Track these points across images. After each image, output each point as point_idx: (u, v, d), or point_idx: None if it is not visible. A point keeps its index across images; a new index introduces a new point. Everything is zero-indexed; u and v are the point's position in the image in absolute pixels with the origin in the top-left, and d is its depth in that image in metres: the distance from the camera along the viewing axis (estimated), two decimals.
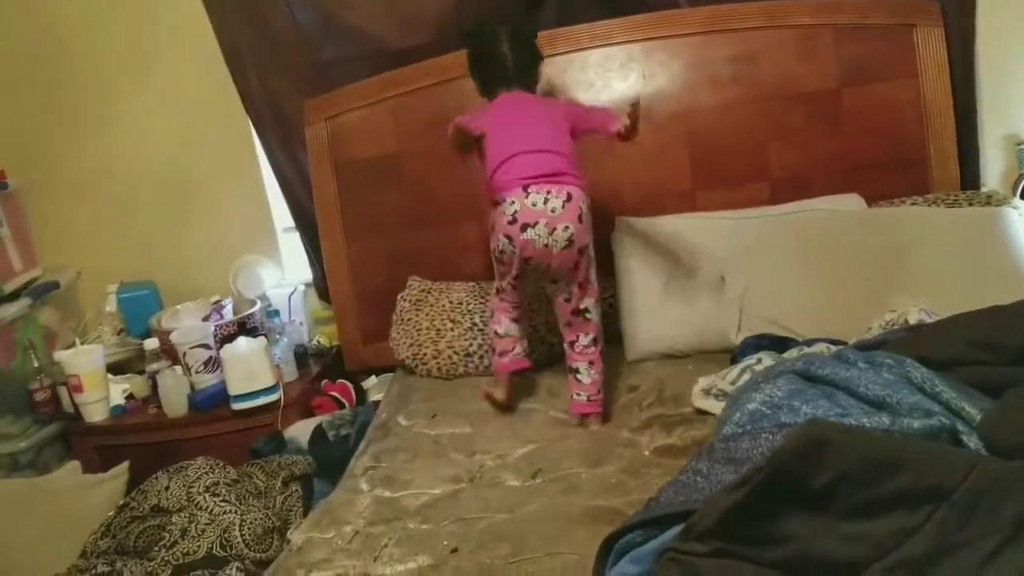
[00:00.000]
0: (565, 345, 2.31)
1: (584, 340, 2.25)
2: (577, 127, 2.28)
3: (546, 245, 2.11)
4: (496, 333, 2.38)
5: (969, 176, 2.77)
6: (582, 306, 2.23)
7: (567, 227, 2.11)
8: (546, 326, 2.62)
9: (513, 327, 2.37)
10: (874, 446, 1.15)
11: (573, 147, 2.25)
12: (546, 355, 2.61)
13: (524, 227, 2.11)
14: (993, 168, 2.84)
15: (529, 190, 2.12)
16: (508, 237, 2.14)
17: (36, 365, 2.93)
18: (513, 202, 2.12)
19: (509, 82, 2.34)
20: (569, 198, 2.11)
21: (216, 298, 3.11)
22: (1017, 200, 2.61)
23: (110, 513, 2.26)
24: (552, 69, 2.81)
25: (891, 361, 1.53)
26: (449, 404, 2.46)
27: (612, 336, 2.65)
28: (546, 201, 2.11)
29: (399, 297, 2.88)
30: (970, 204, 2.57)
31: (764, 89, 2.75)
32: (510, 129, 2.24)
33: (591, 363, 2.25)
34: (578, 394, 2.25)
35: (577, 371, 2.25)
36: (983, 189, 2.76)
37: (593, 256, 2.22)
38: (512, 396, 2.37)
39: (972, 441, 1.32)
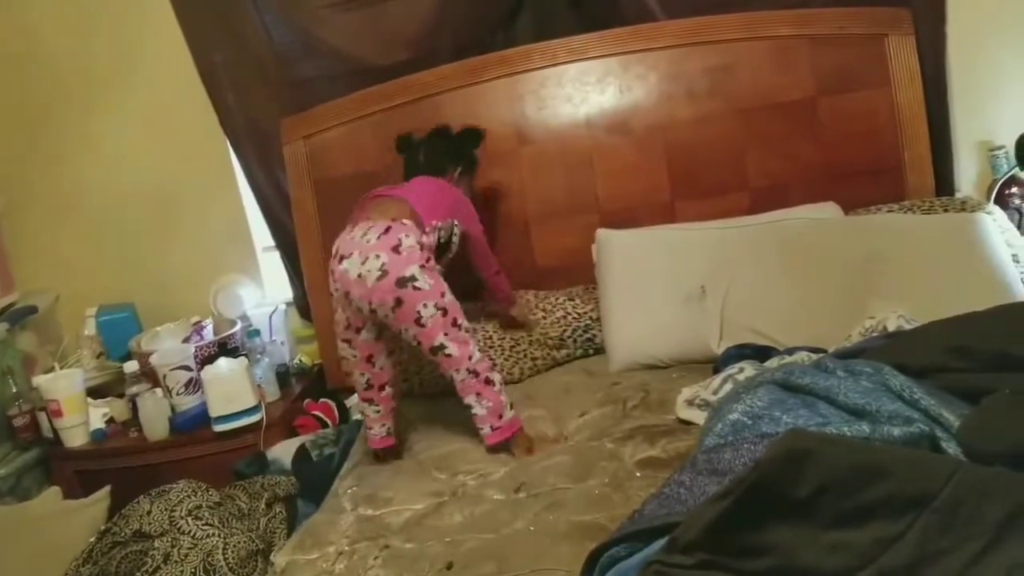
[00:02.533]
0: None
1: (458, 376, 2.14)
2: (463, 225, 2.36)
3: (360, 276, 2.06)
4: (360, 412, 2.38)
5: (944, 182, 2.79)
6: (434, 343, 2.10)
7: (378, 255, 2.05)
8: (528, 341, 2.62)
9: (367, 407, 2.31)
10: (855, 455, 1.15)
11: (440, 208, 2.28)
12: (528, 369, 2.61)
13: (341, 259, 2.10)
14: (967, 174, 2.87)
15: (356, 227, 2.15)
16: (332, 272, 2.14)
17: (15, 390, 2.90)
18: (338, 239, 2.17)
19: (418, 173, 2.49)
20: (387, 231, 2.10)
21: (196, 319, 3.10)
22: (991, 205, 2.64)
23: (91, 539, 2.23)
24: (529, 84, 2.84)
25: (870, 369, 1.54)
26: (433, 421, 2.45)
27: (595, 347, 2.67)
28: (364, 234, 2.10)
29: None
30: (945, 210, 2.59)
31: (741, 100, 2.78)
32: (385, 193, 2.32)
33: (478, 394, 2.14)
34: (481, 428, 2.16)
35: (470, 407, 2.16)
36: (958, 195, 2.78)
37: (436, 287, 2.08)
38: (385, 447, 2.33)
39: (951, 447, 1.33)
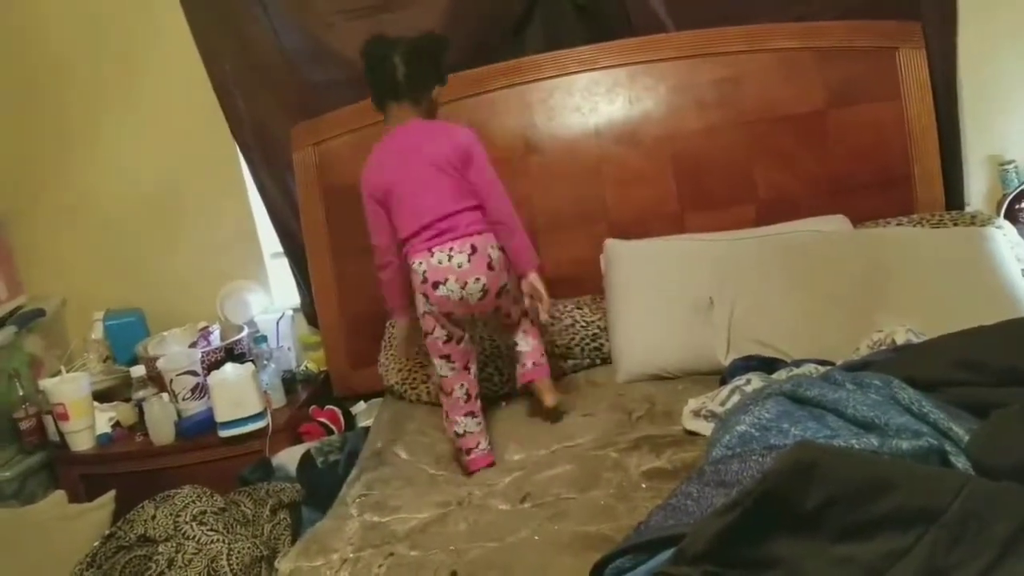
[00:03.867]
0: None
1: (514, 322, 2.35)
2: (467, 174, 2.20)
3: (462, 298, 2.14)
4: (456, 433, 2.24)
5: (953, 196, 2.79)
6: (515, 342, 2.36)
7: (478, 279, 2.14)
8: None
9: (470, 422, 2.25)
10: (863, 468, 1.15)
11: (468, 184, 2.19)
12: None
13: (435, 285, 2.13)
14: (977, 188, 2.87)
15: (433, 250, 2.14)
16: (425, 296, 2.16)
17: (21, 394, 2.90)
18: (421, 263, 2.14)
19: (398, 94, 2.23)
20: (474, 250, 2.14)
21: (203, 324, 3.10)
22: (1001, 220, 2.63)
23: (96, 543, 2.22)
24: (539, 94, 2.84)
25: (878, 382, 1.53)
26: (444, 443, 2.44)
27: (602, 357, 2.67)
28: (450, 258, 2.13)
29: (388, 323, 2.87)
30: (954, 224, 2.58)
31: (749, 112, 2.78)
32: (400, 190, 2.18)
33: (525, 332, 2.35)
34: (523, 364, 2.35)
35: (515, 344, 2.35)
36: (967, 209, 2.78)
37: (515, 292, 2.27)
38: (490, 463, 2.25)
39: (960, 462, 1.32)
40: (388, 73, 2.21)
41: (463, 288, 2.12)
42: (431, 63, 2.26)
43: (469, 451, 2.23)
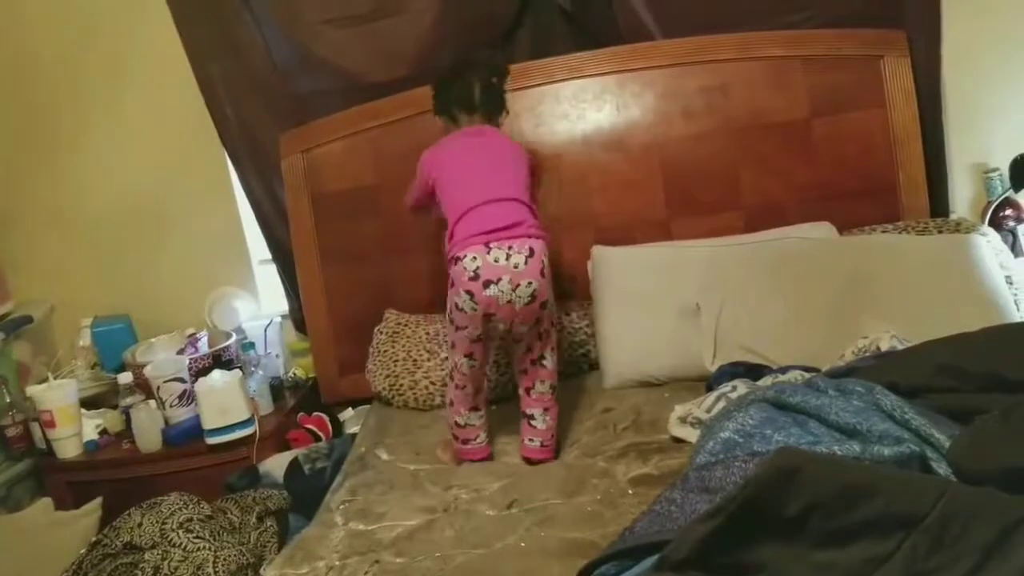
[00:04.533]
0: (520, 390, 2.27)
1: (540, 387, 2.24)
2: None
3: (509, 301, 2.08)
4: (456, 423, 2.28)
5: (938, 203, 2.80)
6: (538, 355, 2.22)
7: (530, 283, 2.08)
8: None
9: (473, 416, 2.28)
10: (844, 473, 1.16)
11: (531, 186, 2.26)
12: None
13: (487, 283, 2.06)
14: (962, 195, 2.89)
15: (491, 246, 2.08)
16: (470, 293, 2.08)
17: (8, 400, 2.89)
18: (475, 258, 2.07)
19: (472, 109, 2.30)
20: (531, 253, 2.09)
21: (191, 331, 3.10)
22: (985, 227, 2.65)
23: (82, 551, 2.22)
24: (527, 101, 2.85)
25: (861, 388, 1.54)
26: (426, 437, 2.45)
27: (590, 363, 2.68)
28: (508, 257, 2.07)
29: (376, 330, 2.88)
30: (939, 231, 2.60)
31: (736, 120, 2.79)
32: (470, 171, 2.22)
33: (546, 409, 2.24)
34: (531, 439, 2.23)
35: (532, 417, 2.23)
36: (952, 216, 2.80)
37: (554, 306, 2.21)
38: (484, 456, 2.31)
39: (941, 468, 1.33)
40: (466, 91, 2.30)
41: (514, 290, 2.07)
42: (501, 96, 2.36)
43: (467, 441, 2.27)
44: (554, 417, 2.25)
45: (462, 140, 2.29)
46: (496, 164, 2.23)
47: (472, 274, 2.07)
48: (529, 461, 2.23)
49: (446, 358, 2.66)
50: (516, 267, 2.07)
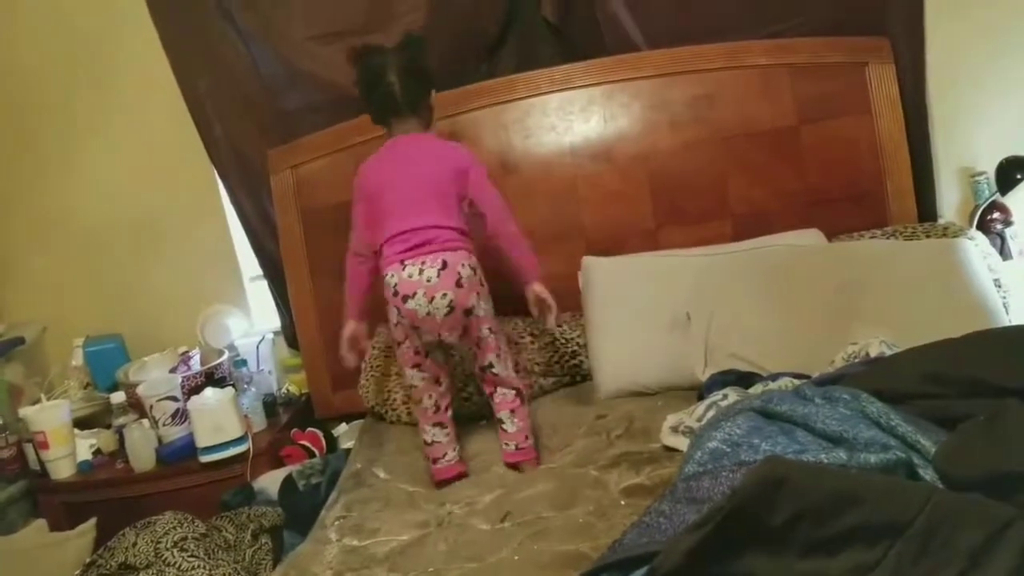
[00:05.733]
0: (488, 399, 2.34)
1: (500, 392, 2.30)
2: (468, 192, 2.27)
3: (428, 313, 2.14)
4: (424, 442, 2.33)
5: (926, 208, 2.82)
6: (485, 363, 2.27)
7: (444, 294, 2.13)
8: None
9: (439, 432, 2.32)
10: (830, 482, 1.16)
11: (457, 206, 2.25)
12: None
13: (405, 298, 2.14)
14: (949, 200, 2.90)
15: (405, 263, 2.15)
16: (396, 308, 2.18)
17: (1, 422, 2.89)
18: (393, 275, 2.16)
19: (399, 112, 2.30)
20: (444, 265, 2.13)
21: (183, 349, 3.10)
22: (973, 231, 2.66)
23: (76, 572, 2.21)
24: (514, 114, 2.86)
25: (847, 396, 1.55)
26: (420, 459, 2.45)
27: (582, 374, 2.68)
28: (421, 271, 2.13)
29: (370, 344, 2.88)
30: (927, 236, 2.61)
31: (723, 128, 2.80)
32: (390, 196, 2.24)
33: (512, 411, 2.28)
34: (506, 444, 2.28)
35: (501, 421, 2.29)
36: (940, 221, 2.81)
37: (489, 311, 2.24)
38: (457, 473, 2.30)
39: (928, 474, 1.33)
40: (386, 93, 2.28)
41: (430, 303, 2.12)
42: (423, 74, 2.32)
43: (436, 460, 2.29)
44: (523, 418, 2.29)
45: (386, 163, 2.30)
46: (412, 194, 2.23)
47: (393, 290, 2.17)
48: (512, 467, 2.26)
49: None
50: (429, 280, 2.13)
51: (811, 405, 1.56)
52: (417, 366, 2.27)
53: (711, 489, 1.37)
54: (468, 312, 2.17)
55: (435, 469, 2.29)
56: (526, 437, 2.28)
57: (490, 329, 2.24)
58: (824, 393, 1.60)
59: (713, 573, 1.14)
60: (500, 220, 2.27)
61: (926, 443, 1.38)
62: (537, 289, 2.28)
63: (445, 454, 2.29)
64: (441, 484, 2.25)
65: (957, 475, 1.29)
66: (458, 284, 2.14)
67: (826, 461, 1.35)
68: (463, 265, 2.16)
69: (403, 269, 2.15)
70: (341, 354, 2.42)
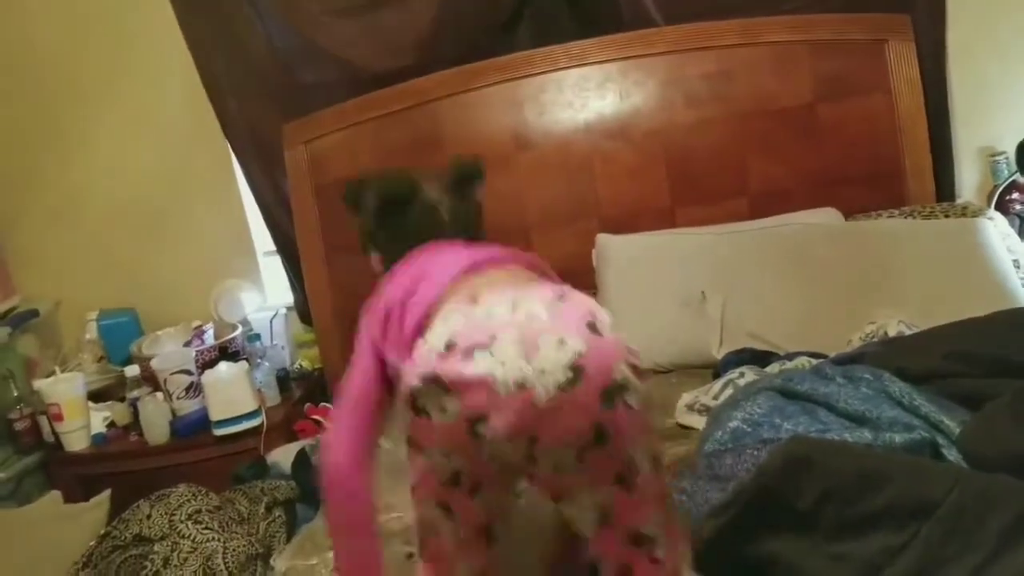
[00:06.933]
0: None
1: (643, 564, 1.12)
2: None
3: (522, 385, 1.04)
4: None
5: (944, 188, 2.79)
6: (643, 530, 1.11)
7: (563, 339, 1.05)
8: None
9: None
10: (856, 461, 1.16)
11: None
12: None
13: (468, 352, 1.07)
14: (968, 180, 2.87)
15: (479, 298, 1.15)
16: (437, 386, 1.08)
17: (16, 394, 2.90)
18: (446, 319, 1.15)
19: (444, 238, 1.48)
20: (560, 297, 1.13)
21: (197, 323, 3.10)
22: (992, 211, 2.64)
23: (91, 543, 2.23)
24: (530, 90, 2.83)
25: (869, 376, 1.54)
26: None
27: None
28: (510, 308, 1.11)
29: None
30: (946, 216, 2.59)
31: (741, 105, 2.77)
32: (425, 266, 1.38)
33: None
34: None
35: None
36: (958, 201, 2.79)
37: (641, 404, 1.09)
38: None
39: (952, 454, 1.33)
40: (428, 216, 1.56)
41: (529, 360, 1.05)
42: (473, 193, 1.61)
43: None
44: None
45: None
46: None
47: (441, 349, 1.11)
48: None
49: None
50: (529, 317, 1.08)
51: (832, 384, 1.55)
52: (445, 505, 1.19)
53: (734, 466, 1.37)
54: (612, 393, 1.06)
55: None
56: None
57: (649, 451, 1.13)
58: (845, 372, 1.59)
59: (738, 557, 1.14)
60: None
61: (950, 423, 1.37)
62: None
63: None
64: None
65: (982, 455, 1.28)
66: (592, 328, 1.08)
67: (851, 440, 1.34)
68: (600, 307, 1.13)
69: (460, 306, 1.18)
70: None
